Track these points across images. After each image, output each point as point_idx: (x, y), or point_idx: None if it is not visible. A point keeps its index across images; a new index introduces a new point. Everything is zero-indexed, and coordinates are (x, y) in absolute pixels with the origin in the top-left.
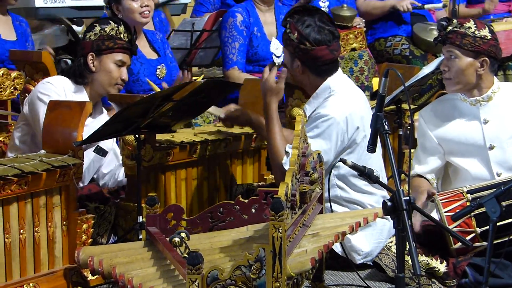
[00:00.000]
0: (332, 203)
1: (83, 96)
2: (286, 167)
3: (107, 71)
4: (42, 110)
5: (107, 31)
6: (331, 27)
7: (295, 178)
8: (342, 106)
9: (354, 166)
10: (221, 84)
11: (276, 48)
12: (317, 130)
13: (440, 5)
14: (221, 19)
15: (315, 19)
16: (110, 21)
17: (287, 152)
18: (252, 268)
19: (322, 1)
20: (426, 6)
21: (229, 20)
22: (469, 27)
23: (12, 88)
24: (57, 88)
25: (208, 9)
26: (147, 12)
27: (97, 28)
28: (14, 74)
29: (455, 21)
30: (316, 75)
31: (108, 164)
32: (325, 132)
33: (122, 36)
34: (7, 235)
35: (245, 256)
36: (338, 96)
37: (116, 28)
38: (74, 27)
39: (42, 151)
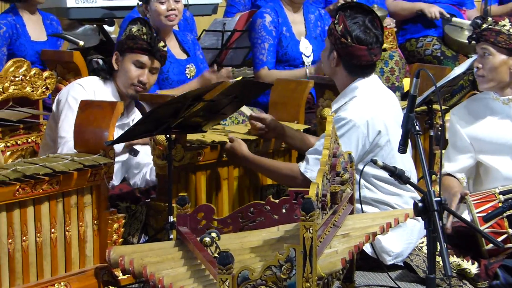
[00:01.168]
0: (362, 204)
1: (113, 94)
2: (308, 174)
3: (126, 70)
4: (64, 113)
5: (133, 31)
6: (378, 32)
7: (325, 178)
8: (363, 110)
9: (384, 167)
10: (252, 84)
11: (306, 47)
12: (337, 133)
13: (467, 22)
14: (251, 19)
15: (365, 19)
16: (138, 21)
17: (305, 160)
18: (283, 268)
19: None
20: (454, 19)
21: (258, 21)
22: (504, 25)
23: (43, 87)
24: (87, 91)
25: (239, 10)
26: (174, 15)
27: (128, 28)
28: (45, 73)
29: (489, 19)
30: (348, 73)
31: (138, 163)
32: (345, 136)
33: (144, 37)
34: (38, 234)
35: (276, 256)
36: (361, 99)
37: (141, 28)
38: (106, 27)
39: (74, 151)
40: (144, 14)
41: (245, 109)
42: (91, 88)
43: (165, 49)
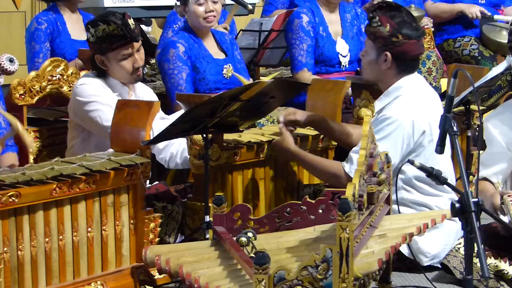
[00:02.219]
0: (399, 205)
1: (115, 85)
2: (353, 175)
3: (119, 67)
4: (90, 110)
5: (100, 33)
6: (417, 24)
7: (362, 179)
8: (409, 109)
9: (422, 167)
10: (289, 84)
11: (342, 47)
12: (382, 133)
13: (509, 18)
14: (288, 19)
15: (403, 14)
16: (99, 23)
17: (350, 160)
18: (319, 268)
19: None
20: (495, 16)
21: (295, 21)
22: None
23: None
24: (93, 85)
25: (277, 8)
26: (212, 17)
27: (92, 30)
28: (83, 73)
29: None
30: (397, 72)
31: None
32: (390, 135)
33: (115, 32)
34: (75, 233)
35: (312, 256)
36: (406, 98)
37: (106, 27)
38: (143, 26)
39: (111, 150)
40: (182, 14)
41: (275, 113)
42: (94, 81)
43: (134, 25)
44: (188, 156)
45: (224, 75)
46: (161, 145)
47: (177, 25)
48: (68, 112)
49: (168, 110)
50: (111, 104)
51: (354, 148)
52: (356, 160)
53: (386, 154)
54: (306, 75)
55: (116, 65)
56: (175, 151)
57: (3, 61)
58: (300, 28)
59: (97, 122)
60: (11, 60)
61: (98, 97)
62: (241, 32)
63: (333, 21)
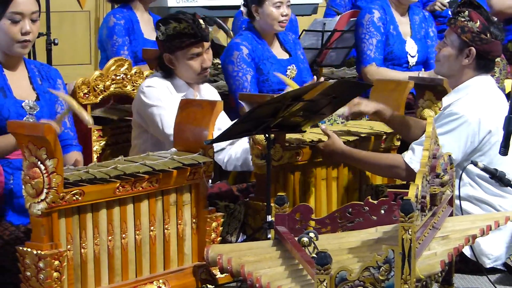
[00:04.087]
0: (463, 202)
1: (180, 84)
2: (413, 165)
3: (187, 66)
4: (154, 113)
5: (171, 31)
6: (501, 26)
7: (425, 180)
8: (477, 107)
9: (485, 169)
10: (351, 85)
11: (411, 47)
12: (447, 127)
13: None
14: (352, 19)
15: (488, 13)
16: (171, 21)
17: (411, 149)
18: (381, 269)
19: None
20: None
21: (366, 16)
22: None
23: None
24: (159, 88)
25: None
26: (286, 21)
27: (162, 28)
28: (146, 72)
29: None
30: (476, 69)
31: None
32: (455, 130)
33: (187, 31)
34: (137, 232)
35: (374, 257)
36: (475, 96)
37: (178, 25)
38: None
39: (173, 149)
40: (249, 15)
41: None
42: (161, 84)
43: (204, 25)
44: (248, 158)
45: (287, 75)
46: (220, 146)
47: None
48: (132, 111)
49: (231, 111)
50: (174, 109)
51: (416, 140)
52: (418, 151)
53: (450, 155)
54: (374, 70)
55: (184, 64)
56: (234, 153)
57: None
58: (371, 23)
59: (158, 126)
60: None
61: (162, 102)
62: (304, 32)
63: (403, 21)
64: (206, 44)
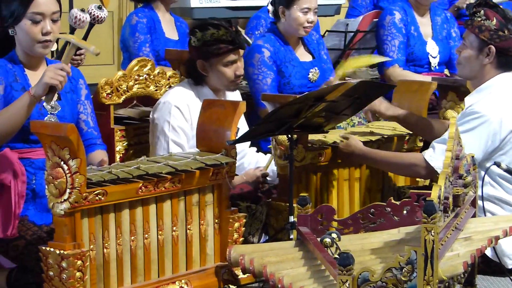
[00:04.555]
0: (485, 201)
1: (205, 92)
2: (433, 163)
3: (220, 73)
4: (161, 139)
5: (208, 37)
6: None
7: (448, 181)
8: (499, 106)
9: (508, 170)
10: (374, 86)
11: (432, 48)
12: (468, 125)
13: None
14: (375, 20)
15: (504, 11)
16: (209, 27)
17: (431, 147)
18: (403, 270)
19: None
20: None
21: (387, 18)
22: None
23: (167, 86)
24: (184, 112)
25: (361, 13)
26: (310, 28)
27: (198, 34)
28: (169, 73)
29: None
30: (497, 66)
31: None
32: (476, 129)
33: (224, 38)
34: (160, 232)
35: (397, 258)
36: (497, 96)
37: (216, 32)
38: None
39: (196, 150)
40: (275, 14)
41: None
42: (185, 103)
43: (240, 33)
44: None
45: (309, 79)
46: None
47: (259, 31)
48: (151, 112)
49: (253, 112)
50: (179, 138)
51: (437, 139)
52: (438, 149)
53: (473, 156)
54: (397, 71)
55: (218, 71)
56: (247, 163)
57: (92, 10)
58: (392, 24)
59: (154, 144)
60: (99, 7)
61: (175, 132)
62: (327, 32)
63: (424, 22)
64: (241, 52)
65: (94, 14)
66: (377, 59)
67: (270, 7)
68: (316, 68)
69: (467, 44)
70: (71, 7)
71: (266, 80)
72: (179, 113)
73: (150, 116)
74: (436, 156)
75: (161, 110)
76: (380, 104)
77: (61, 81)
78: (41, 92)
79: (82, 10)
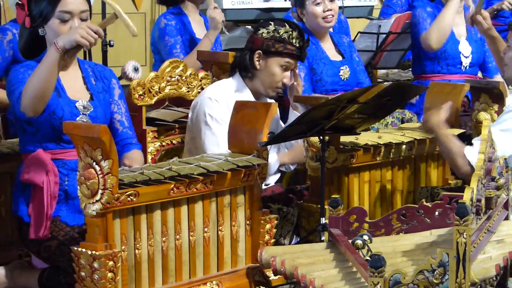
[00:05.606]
0: None
1: (246, 94)
2: (469, 157)
3: (271, 73)
4: (206, 134)
5: (280, 33)
6: None
7: (480, 183)
8: None
9: None
10: (407, 87)
11: (465, 48)
12: (506, 124)
13: None
14: (407, 21)
15: None
16: (286, 24)
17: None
18: (435, 273)
19: None
20: None
21: (418, 10)
22: None
23: (199, 88)
24: (222, 105)
25: (395, 11)
26: (331, 16)
27: (271, 27)
28: (201, 74)
29: None
30: None
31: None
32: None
33: (294, 41)
34: (191, 233)
35: (428, 260)
36: None
37: (290, 32)
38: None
39: (228, 151)
40: (299, 19)
41: None
42: (224, 99)
43: (306, 48)
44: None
45: (341, 76)
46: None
47: None
48: (189, 111)
49: (285, 112)
50: (223, 130)
51: (477, 137)
52: (476, 145)
53: (505, 159)
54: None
55: (270, 70)
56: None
57: (128, 70)
58: (425, 13)
59: (203, 142)
60: (135, 69)
61: (218, 124)
62: (359, 34)
63: (458, 23)
64: (296, 65)
65: (127, 74)
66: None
67: (293, 14)
68: (347, 66)
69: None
70: (103, 10)
71: (299, 74)
72: (217, 104)
73: (190, 114)
74: (474, 151)
75: (200, 103)
76: (438, 114)
77: (91, 43)
78: (68, 46)
79: (136, 69)
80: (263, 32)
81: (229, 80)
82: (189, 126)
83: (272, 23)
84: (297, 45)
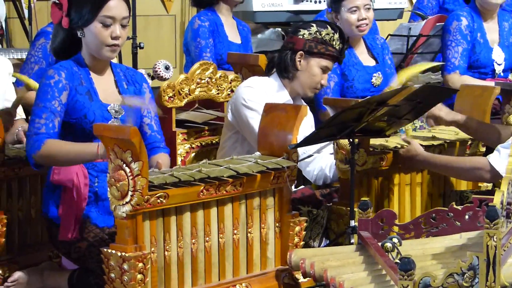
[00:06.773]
0: None
1: (284, 94)
2: (497, 166)
3: (312, 74)
4: (250, 116)
5: (322, 35)
6: None
7: (511, 186)
8: None
9: None
10: (436, 90)
11: (498, 55)
12: None
13: None
14: (437, 24)
15: None
16: (328, 26)
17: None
18: (465, 276)
19: None
20: None
21: (454, 23)
22: None
23: (229, 90)
24: (259, 91)
25: (426, 14)
26: (365, 25)
27: (313, 28)
28: (231, 76)
29: None
30: None
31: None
32: None
33: (334, 43)
34: (221, 235)
35: (458, 263)
36: None
37: (332, 34)
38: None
39: (257, 153)
40: (333, 21)
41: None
42: (262, 88)
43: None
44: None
45: (372, 83)
46: (307, 154)
47: None
48: (226, 109)
49: (314, 116)
50: None
51: (503, 144)
52: (504, 153)
53: None
54: (457, 78)
55: (311, 70)
56: (324, 164)
57: (159, 68)
58: (458, 30)
59: (253, 131)
60: (166, 68)
61: (258, 105)
62: (389, 36)
63: (491, 28)
64: (332, 68)
65: (158, 72)
66: (431, 64)
67: (328, 16)
68: (379, 72)
69: None
70: (134, 12)
71: (329, 83)
72: (253, 90)
73: (228, 110)
74: (501, 160)
75: (237, 94)
76: (440, 109)
77: None
78: (105, 157)
79: (167, 68)
80: (304, 33)
81: (266, 78)
82: (228, 123)
83: (314, 24)
84: (338, 47)
